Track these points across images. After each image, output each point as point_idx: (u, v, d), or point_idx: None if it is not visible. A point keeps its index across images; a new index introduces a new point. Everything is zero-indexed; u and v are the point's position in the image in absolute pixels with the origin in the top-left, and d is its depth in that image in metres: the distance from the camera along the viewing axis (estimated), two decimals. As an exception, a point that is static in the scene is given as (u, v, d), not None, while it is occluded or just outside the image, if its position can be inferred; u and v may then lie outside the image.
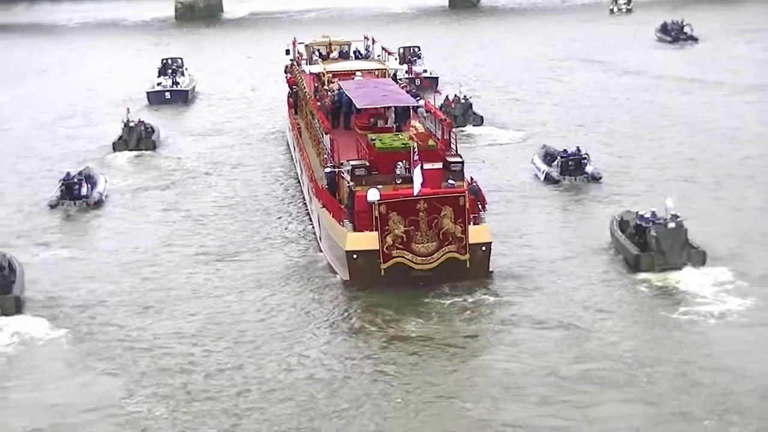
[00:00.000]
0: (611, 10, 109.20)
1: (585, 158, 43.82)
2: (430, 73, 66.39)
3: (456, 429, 23.50)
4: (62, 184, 43.90)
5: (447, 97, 55.48)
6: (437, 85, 62.67)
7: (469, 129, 53.32)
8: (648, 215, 33.02)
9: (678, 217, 32.46)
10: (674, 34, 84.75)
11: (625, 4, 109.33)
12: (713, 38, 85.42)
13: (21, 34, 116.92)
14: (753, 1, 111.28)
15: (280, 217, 41.01)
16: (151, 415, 25.04)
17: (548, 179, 43.61)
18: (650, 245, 32.31)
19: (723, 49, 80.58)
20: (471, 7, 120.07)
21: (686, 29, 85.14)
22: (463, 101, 55.23)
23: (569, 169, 43.51)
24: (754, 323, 28.49)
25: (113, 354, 28.58)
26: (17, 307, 31.14)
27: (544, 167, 44.37)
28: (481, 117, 55.20)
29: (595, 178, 43.28)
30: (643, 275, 31.82)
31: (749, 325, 28.37)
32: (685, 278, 31.42)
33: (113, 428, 24.57)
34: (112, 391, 26.45)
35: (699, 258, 32.03)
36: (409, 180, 32.62)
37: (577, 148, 44.64)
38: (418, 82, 61.40)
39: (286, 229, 39.52)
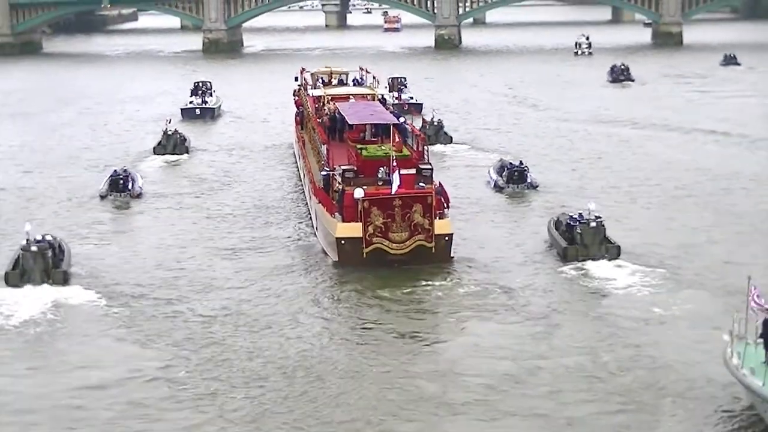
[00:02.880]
0: (575, 53, 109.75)
1: (526, 170, 44.19)
2: (415, 100, 66.66)
3: (413, 405, 23.34)
4: (110, 179, 44.66)
5: (423, 119, 56.37)
6: (421, 110, 63.23)
7: (440, 146, 53.53)
8: (576, 216, 33.81)
9: (599, 218, 33.28)
10: (615, 75, 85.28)
11: (587, 47, 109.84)
12: (647, 80, 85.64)
13: (76, 61, 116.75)
14: (689, 51, 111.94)
15: (285, 214, 41.12)
16: (175, 375, 25.09)
17: (496, 187, 44.14)
18: (575, 240, 33.13)
19: (653, 88, 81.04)
20: (453, 48, 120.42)
21: (629, 72, 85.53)
22: (435, 123, 55.52)
23: (513, 178, 43.83)
24: (652, 302, 29.26)
25: (143, 322, 28.73)
26: (65, 279, 31.59)
27: (495, 177, 44.77)
28: (451, 137, 55.54)
29: (533, 187, 43.66)
30: (569, 264, 32.59)
31: (649, 304, 29.11)
32: (602, 267, 32.17)
33: (142, 385, 24.61)
34: (140, 353, 26.62)
35: (614, 251, 32.77)
36: (388, 182, 33.27)
37: (520, 161, 45.05)
38: (405, 107, 61.36)
39: (290, 223, 39.68)
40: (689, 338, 26.65)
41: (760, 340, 21.49)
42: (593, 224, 33.18)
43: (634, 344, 26.42)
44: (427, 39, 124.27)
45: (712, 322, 26.78)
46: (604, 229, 33.36)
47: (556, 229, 34.90)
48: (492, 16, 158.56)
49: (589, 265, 32.49)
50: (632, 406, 22.91)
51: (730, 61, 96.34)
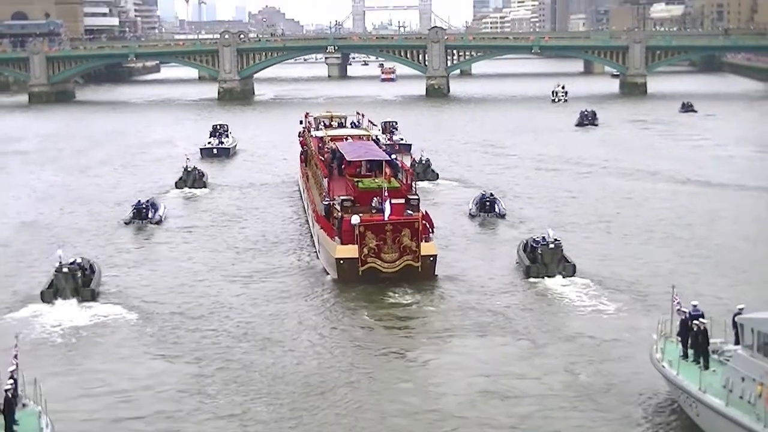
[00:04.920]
0: (552, 100, 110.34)
1: (495, 200, 45.52)
2: (405, 141, 67.85)
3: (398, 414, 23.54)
4: (134, 208, 45.69)
5: (412, 157, 57.41)
6: (410, 150, 64.30)
7: (428, 182, 54.06)
8: (539, 239, 35.27)
9: (557, 240, 34.70)
10: (580, 120, 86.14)
11: (563, 95, 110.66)
12: (612, 124, 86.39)
13: (105, 108, 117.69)
14: (652, 99, 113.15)
15: (291, 240, 41.96)
16: (200, 387, 25.16)
17: (470, 215, 45.43)
18: (537, 260, 34.52)
19: (616, 132, 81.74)
20: (443, 96, 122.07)
21: (595, 117, 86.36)
22: (423, 162, 56.33)
23: (485, 208, 45.09)
24: (598, 312, 30.86)
25: (164, 337, 29.16)
26: (93, 297, 32.49)
27: (472, 206, 45.99)
28: (437, 174, 56.33)
29: (501, 215, 44.87)
30: (531, 280, 34.03)
31: (597, 314, 30.63)
32: (558, 283, 33.59)
33: (163, 394, 24.72)
34: (162, 365, 26.86)
35: (570, 269, 34.24)
36: (381, 210, 34.54)
37: (491, 193, 46.32)
38: (396, 147, 61.69)
39: (295, 248, 40.58)
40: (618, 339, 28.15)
41: (679, 338, 23.51)
42: (552, 246, 34.62)
43: (570, 340, 28.17)
44: (419, 88, 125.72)
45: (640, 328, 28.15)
46: (562, 250, 34.80)
47: (523, 251, 36.29)
48: (477, 68, 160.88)
49: (548, 281, 33.98)
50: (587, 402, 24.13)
51: (687, 108, 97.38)
